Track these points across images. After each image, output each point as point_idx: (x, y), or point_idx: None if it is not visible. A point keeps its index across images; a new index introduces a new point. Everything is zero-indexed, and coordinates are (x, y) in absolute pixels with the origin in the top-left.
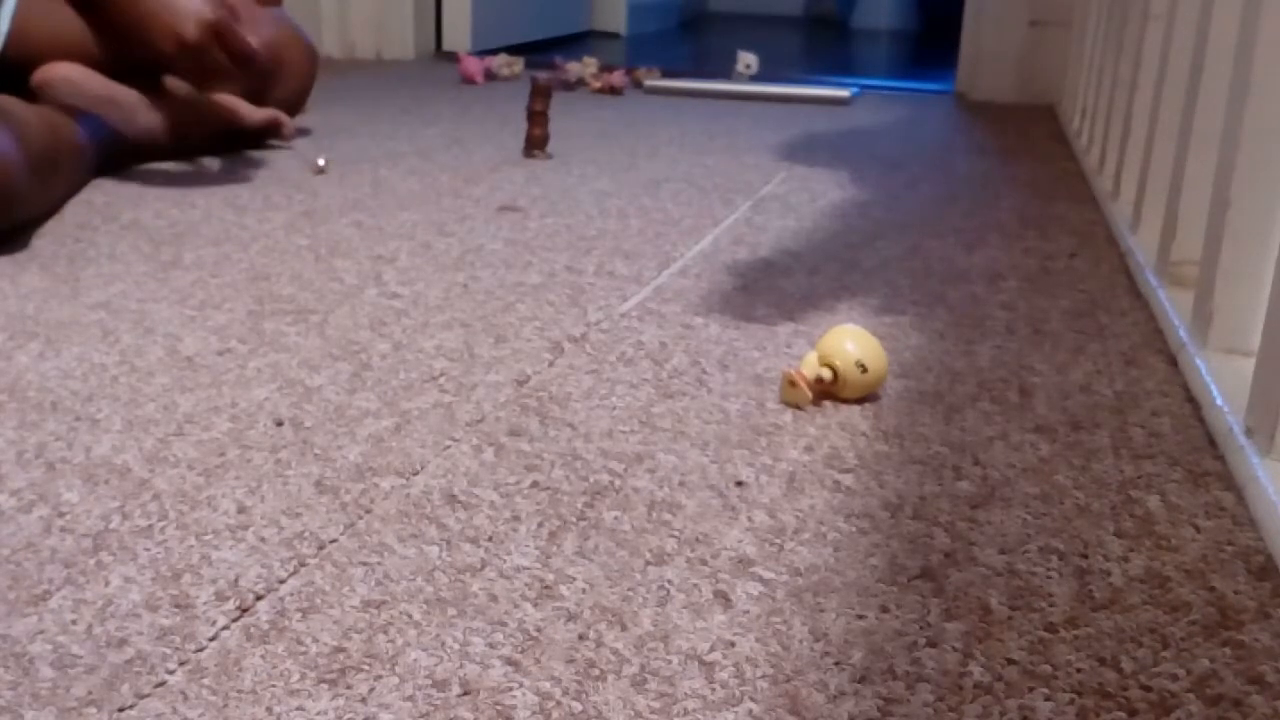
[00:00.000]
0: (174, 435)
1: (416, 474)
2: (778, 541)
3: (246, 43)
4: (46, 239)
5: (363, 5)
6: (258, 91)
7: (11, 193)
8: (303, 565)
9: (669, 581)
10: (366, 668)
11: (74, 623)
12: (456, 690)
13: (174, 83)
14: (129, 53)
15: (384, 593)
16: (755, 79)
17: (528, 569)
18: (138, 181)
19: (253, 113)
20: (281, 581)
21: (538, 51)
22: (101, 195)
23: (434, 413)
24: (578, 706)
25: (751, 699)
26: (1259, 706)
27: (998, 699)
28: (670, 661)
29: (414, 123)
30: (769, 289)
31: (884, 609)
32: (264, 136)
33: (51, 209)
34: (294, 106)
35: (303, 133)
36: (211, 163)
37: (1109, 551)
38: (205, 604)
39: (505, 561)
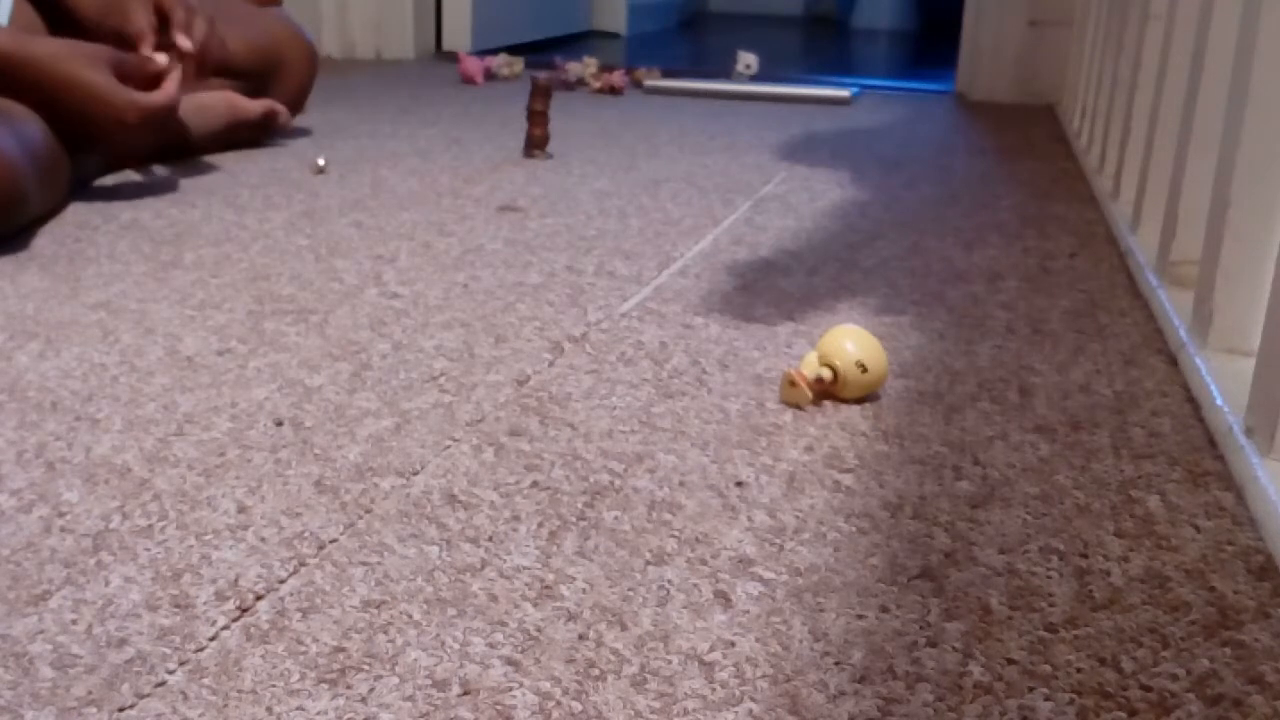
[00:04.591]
0: (174, 435)
1: (416, 474)
2: (778, 541)
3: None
4: (46, 239)
5: (363, 5)
6: (256, 91)
7: (20, 196)
8: (303, 565)
9: (669, 581)
10: (366, 668)
11: (74, 623)
12: (456, 690)
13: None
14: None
15: (384, 593)
16: (755, 79)
17: (528, 569)
18: (138, 181)
19: (250, 106)
20: (281, 581)
21: (538, 51)
22: (101, 195)
23: (434, 413)
24: (578, 706)
25: (751, 699)
26: (1259, 706)
27: (998, 699)
28: (670, 661)
29: (414, 123)
30: (769, 289)
31: (884, 609)
32: (263, 129)
33: (53, 210)
34: (294, 106)
35: (303, 133)
36: (211, 163)
37: (1109, 551)
38: (205, 604)
39: (505, 561)
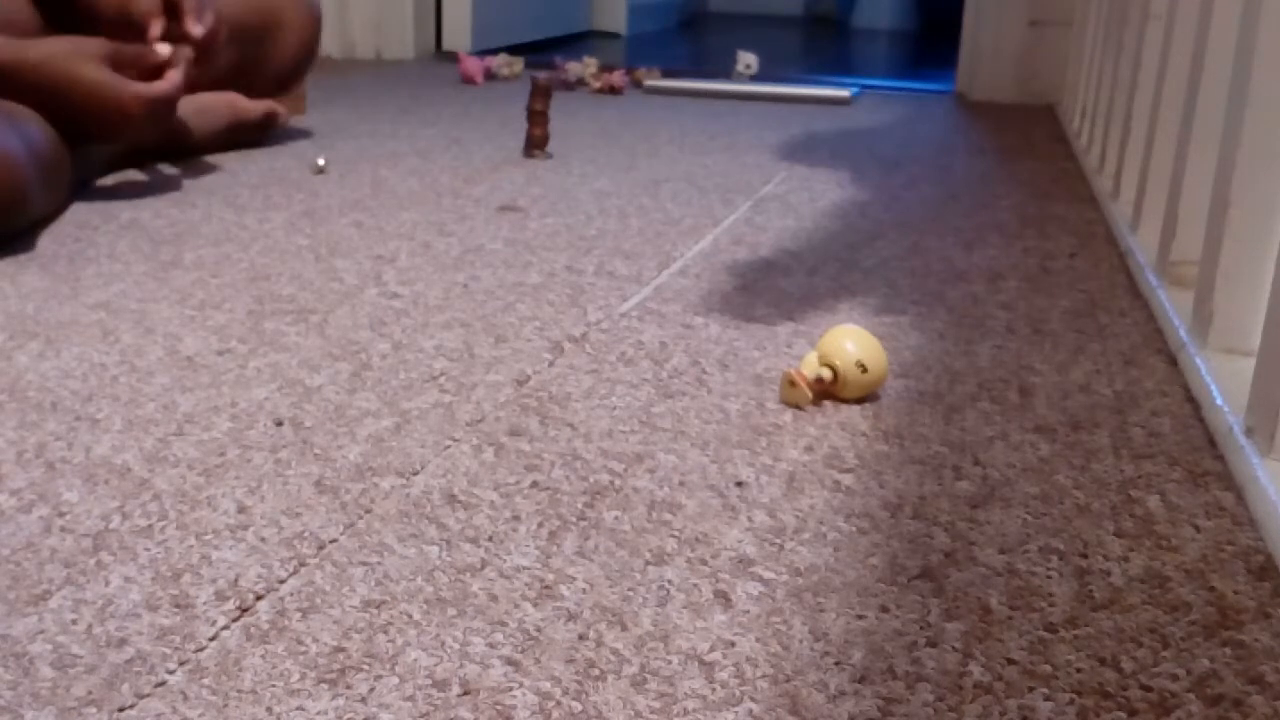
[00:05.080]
0: (174, 435)
1: (416, 474)
2: (778, 541)
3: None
4: (47, 239)
5: (363, 5)
6: (254, 53)
7: (23, 195)
8: (303, 565)
9: (669, 581)
10: (366, 668)
11: (74, 623)
12: (456, 690)
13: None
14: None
15: (384, 593)
16: (755, 79)
17: (528, 569)
18: (138, 181)
19: (251, 107)
20: (281, 581)
21: (538, 51)
22: (101, 195)
23: (434, 413)
24: (578, 706)
25: (751, 699)
26: (1259, 706)
27: (998, 699)
28: (670, 661)
29: (414, 123)
30: (769, 289)
31: (884, 609)
32: (264, 129)
33: (56, 211)
34: (295, 71)
35: (303, 133)
36: (211, 163)
37: (1109, 551)
38: (205, 604)
39: (505, 561)
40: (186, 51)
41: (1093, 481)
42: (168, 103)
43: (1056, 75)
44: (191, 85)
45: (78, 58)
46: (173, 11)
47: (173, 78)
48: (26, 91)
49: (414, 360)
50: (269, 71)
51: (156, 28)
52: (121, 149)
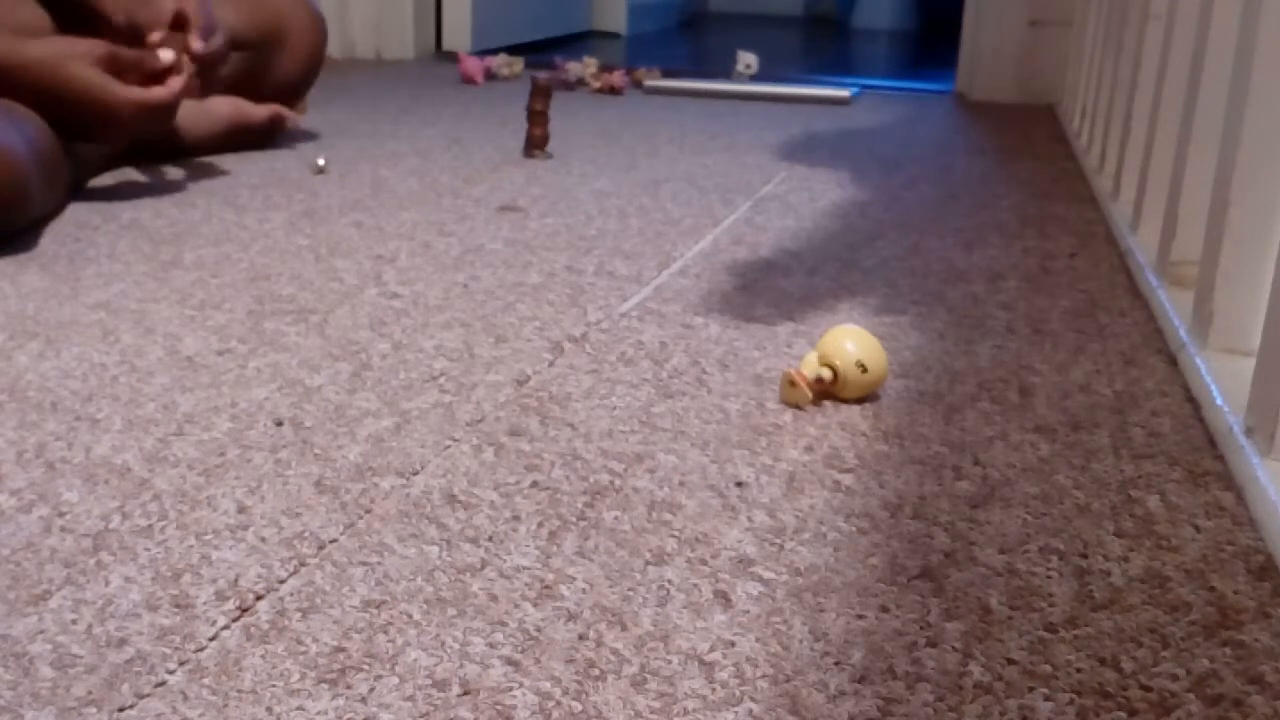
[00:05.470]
0: (174, 435)
1: (416, 474)
2: (778, 541)
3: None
4: (47, 238)
5: (363, 5)
6: (259, 64)
7: (25, 192)
8: (303, 565)
9: (669, 581)
10: (366, 668)
11: (74, 623)
12: (456, 690)
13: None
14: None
15: (384, 593)
16: (755, 79)
17: (528, 569)
18: (138, 181)
19: (255, 111)
20: (281, 581)
21: (538, 51)
22: (101, 195)
23: (434, 413)
24: (578, 706)
25: (751, 699)
26: (1259, 706)
27: (998, 699)
28: (670, 661)
29: (414, 123)
30: (769, 289)
31: (884, 609)
32: (268, 134)
33: (56, 210)
34: (300, 83)
35: (303, 133)
36: (211, 163)
37: (1109, 551)
38: (205, 604)
39: (505, 561)
40: (188, 64)
41: (1093, 481)
42: (163, 109)
43: (1056, 75)
44: (192, 97)
45: (71, 58)
46: (180, 25)
47: (173, 84)
48: (19, 90)
49: (414, 360)
50: (274, 82)
51: (158, 35)
52: (118, 149)
